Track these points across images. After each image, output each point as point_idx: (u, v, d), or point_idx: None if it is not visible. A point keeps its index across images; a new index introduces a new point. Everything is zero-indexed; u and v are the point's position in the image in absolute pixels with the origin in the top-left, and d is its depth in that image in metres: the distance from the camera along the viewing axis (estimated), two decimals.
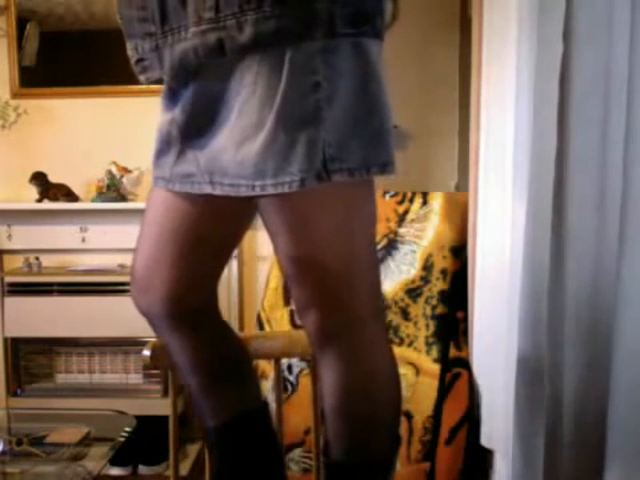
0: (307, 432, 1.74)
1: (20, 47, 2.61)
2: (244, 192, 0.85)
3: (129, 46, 0.93)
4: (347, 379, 0.98)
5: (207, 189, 0.89)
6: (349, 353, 0.97)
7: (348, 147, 0.82)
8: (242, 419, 1.07)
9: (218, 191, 0.88)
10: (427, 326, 1.88)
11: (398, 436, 1.04)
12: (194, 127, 0.89)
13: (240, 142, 0.83)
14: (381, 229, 2.07)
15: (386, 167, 0.85)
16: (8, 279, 2.49)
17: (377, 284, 0.99)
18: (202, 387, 1.06)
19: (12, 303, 2.47)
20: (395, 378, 1.03)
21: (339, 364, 0.97)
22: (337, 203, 0.88)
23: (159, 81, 0.93)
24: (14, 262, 2.63)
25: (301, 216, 0.88)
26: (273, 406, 1.23)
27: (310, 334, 0.98)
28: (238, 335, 1.13)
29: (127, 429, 1.58)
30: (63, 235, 2.57)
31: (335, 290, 0.93)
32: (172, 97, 0.91)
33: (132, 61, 0.94)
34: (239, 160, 0.84)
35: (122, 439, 1.56)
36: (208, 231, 0.99)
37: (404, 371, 1.81)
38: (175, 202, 0.97)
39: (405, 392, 1.72)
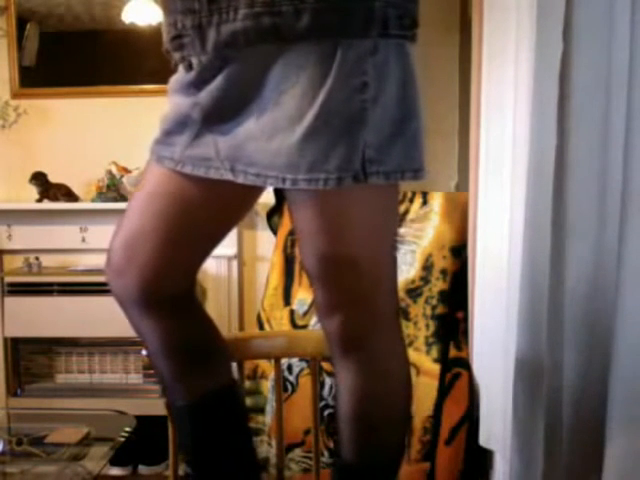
0: (307, 432, 1.73)
1: (20, 47, 2.61)
2: (271, 183, 0.83)
3: (167, 21, 0.89)
4: (368, 381, 0.97)
5: (227, 176, 0.87)
6: (371, 355, 0.96)
7: (386, 150, 0.82)
8: (212, 397, 1.05)
9: (241, 179, 0.86)
10: (427, 326, 1.88)
11: (405, 437, 1.04)
12: (219, 112, 0.86)
13: (273, 132, 0.82)
14: None
15: (418, 172, 0.86)
16: (8, 279, 2.50)
17: (396, 283, 0.99)
18: (173, 370, 1.04)
19: (12, 303, 2.48)
20: (409, 380, 1.03)
21: (361, 366, 0.96)
22: (368, 203, 0.88)
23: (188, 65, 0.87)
24: (14, 262, 2.64)
25: (332, 214, 0.87)
26: (273, 406, 1.23)
27: (332, 337, 0.96)
28: (210, 318, 1.09)
29: (127, 429, 1.58)
30: (63, 235, 2.58)
31: (363, 291, 0.92)
32: (197, 82, 0.87)
33: (168, 37, 0.90)
34: (270, 150, 0.82)
35: (122, 439, 1.56)
36: (205, 216, 0.97)
37: None
38: (177, 182, 0.93)
39: None
